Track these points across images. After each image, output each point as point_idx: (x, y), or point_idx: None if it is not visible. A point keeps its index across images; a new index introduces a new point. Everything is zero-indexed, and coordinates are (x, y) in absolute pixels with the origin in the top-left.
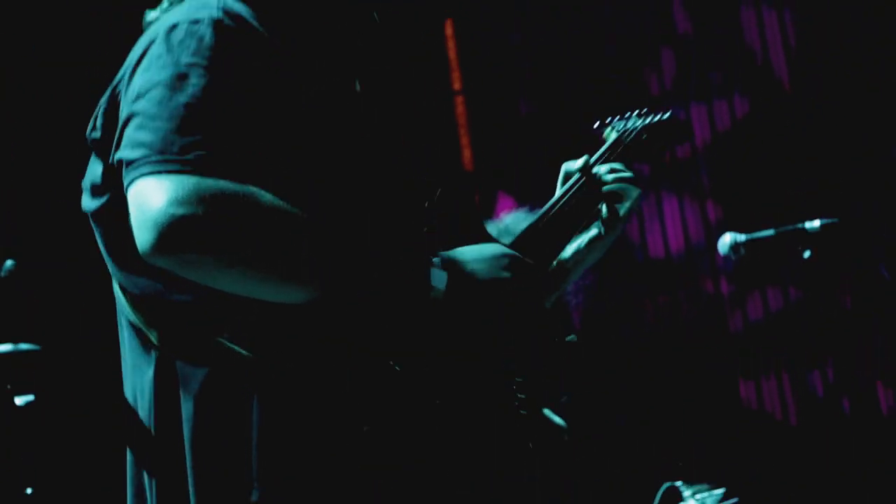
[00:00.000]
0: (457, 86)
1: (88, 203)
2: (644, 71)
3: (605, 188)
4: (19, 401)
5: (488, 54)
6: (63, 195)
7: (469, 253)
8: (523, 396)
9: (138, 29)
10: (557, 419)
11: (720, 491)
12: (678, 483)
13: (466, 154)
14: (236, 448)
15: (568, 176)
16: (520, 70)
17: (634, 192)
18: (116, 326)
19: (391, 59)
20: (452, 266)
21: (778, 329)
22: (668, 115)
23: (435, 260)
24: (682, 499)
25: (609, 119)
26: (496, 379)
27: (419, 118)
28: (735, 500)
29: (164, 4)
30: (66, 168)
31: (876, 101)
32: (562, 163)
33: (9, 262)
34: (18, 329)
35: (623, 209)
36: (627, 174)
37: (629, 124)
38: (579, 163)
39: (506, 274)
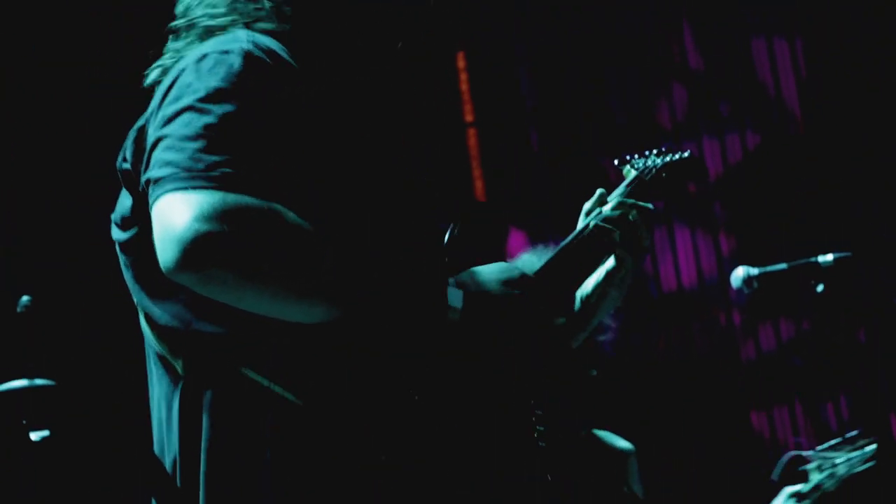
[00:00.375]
0: (469, 118)
1: (118, 234)
2: (656, 104)
3: (619, 219)
4: (35, 436)
5: (500, 87)
6: (78, 232)
7: (481, 273)
8: (542, 429)
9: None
10: (623, 442)
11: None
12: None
13: (478, 185)
14: (254, 478)
15: (587, 214)
16: (531, 102)
17: (645, 225)
18: (130, 362)
19: (405, 91)
20: (467, 285)
21: (790, 359)
22: (686, 154)
23: (451, 280)
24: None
25: (628, 157)
26: (516, 409)
27: (432, 148)
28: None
29: (180, 43)
30: (82, 206)
31: (889, 133)
32: (574, 195)
33: (25, 298)
34: (34, 365)
35: (633, 241)
36: (642, 205)
37: (648, 162)
38: (594, 199)
39: (517, 291)
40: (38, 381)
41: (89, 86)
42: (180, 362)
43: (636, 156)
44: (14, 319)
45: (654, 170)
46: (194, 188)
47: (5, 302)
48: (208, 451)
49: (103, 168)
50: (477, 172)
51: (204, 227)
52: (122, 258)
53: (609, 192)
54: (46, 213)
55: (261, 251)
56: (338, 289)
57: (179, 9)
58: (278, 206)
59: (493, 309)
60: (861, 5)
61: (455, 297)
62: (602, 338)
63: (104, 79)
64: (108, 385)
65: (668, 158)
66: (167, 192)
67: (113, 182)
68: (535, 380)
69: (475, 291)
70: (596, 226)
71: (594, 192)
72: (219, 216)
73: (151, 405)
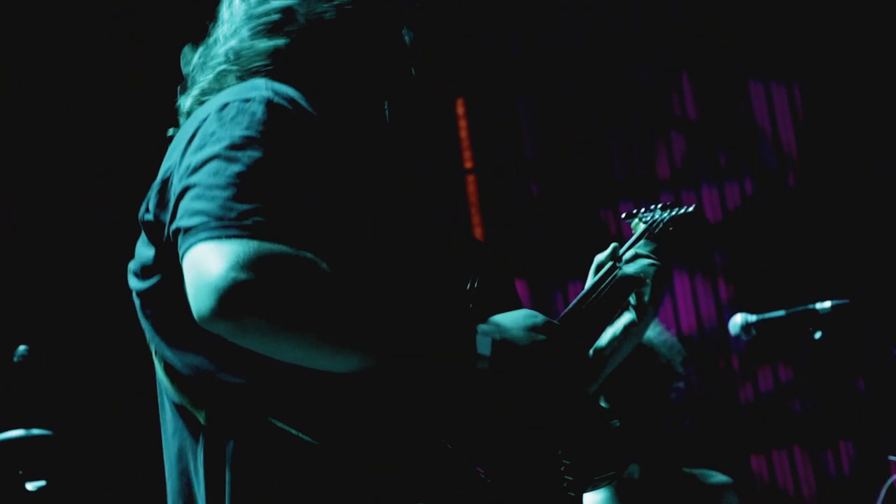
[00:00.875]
0: (468, 164)
1: (137, 283)
2: (655, 154)
3: (634, 273)
4: (31, 486)
5: (500, 134)
6: (75, 283)
7: (506, 320)
8: (570, 479)
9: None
10: (720, 476)
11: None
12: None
13: (477, 232)
14: None
15: (599, 267)
16: (531, 149)
17: (663, 277)
18: (126, 412)
19: (405, 137)
20: (493, 333)
21: (789, 403)
22: (691, 208)
23: (481, 327)
24: None
25: (635, 210)
26: (545, 458)
27: (432, 195)
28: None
29: (195, 91)
30: (79, 258)
31: (887, 178)
32: (573, 244)
33: (21, 348)
34: (31, 414)
35: (652, 294)
36: (655, 260)
37: (655, 216)
38: (608, 252)
39: (542, 338)
40: (35, 431)
41: (91, 137)
42: (203, 413)
43: (643, 209)
44: (11, 369)
45: (661, 223)
46: (228, 237)
47: (2, 351)
48: (232, 500)
49: (101, 221)
50: (476, 219)
51: (240, 276)
52: (141, 309)
53: (620, 245)
54: (44, 264)
55: (297, 300)
56: (372, 338)
57: (192, 58)
58: (312, 255)
59: (522, 356)
60: (857, 50)
61: (484, 344)
62: (677, 385)
63: (109, 131)
64: (105, 435)
65: (674, 212)
66: (200, 240)
67: (112, 234)
68: (563, 428)
69: (502, 339)
70: (623, 277)
71: (602, 243)
72: (254, 265)
73: (166, 455)
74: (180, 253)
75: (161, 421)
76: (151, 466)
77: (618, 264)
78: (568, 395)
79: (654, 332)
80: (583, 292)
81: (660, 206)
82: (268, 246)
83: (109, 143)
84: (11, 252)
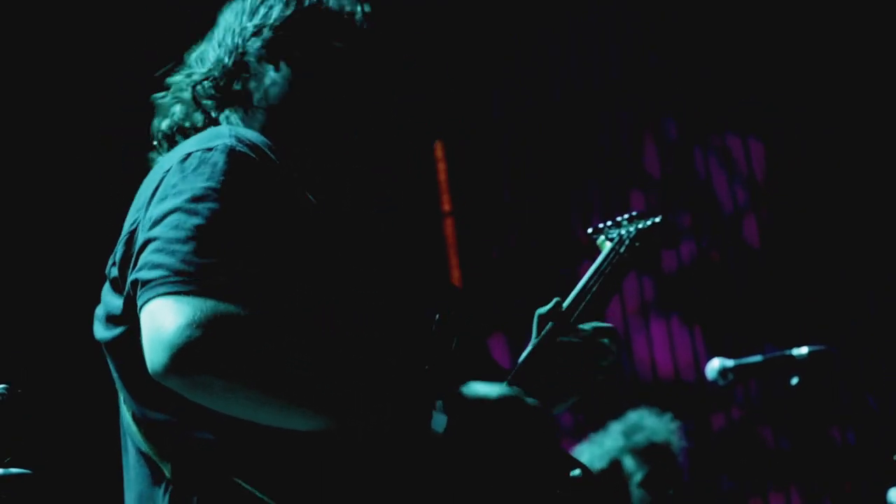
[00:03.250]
0: (446, 207)
1: (102, 332)
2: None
3: (578, 343)
4: None
5: (478, 177)
6: (54, 323)
7: (470, 394)
8: None
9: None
10: None
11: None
12: None
13: (455, 275)
14: None
15: (541, 321)
16: (508, 193)
17: (610, 352)
18: (104, 452)
19: (382, 182)
20: (454, 408)
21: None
22: (658, 219)
23: (438, 402)
24: None
25: (602, 225)
26: None
27: (409, 241)
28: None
29: (165, 146)
30: (59, 297)
31: (858, 229)
32: (549, 285)
33: (1, 387)
34: (8, 454)
35: (597, 371)
36: (601, 336)
37: (622, 231)
38: (550, 306)
39: (507, 415)
40: (13, 470)
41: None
42: (168, 466)
43: (609, 223)
44: None
45: (627, 240)
46: (185, 293)
47: None
48: None
49: (82, 258)
50: (454, 261)
51: (195, 334)
52: (110, 361)
53: (563, 299)
54: (23, 303)
55: (252, 360)
56: (322, 399)
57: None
58: (267, 314)
59: (480, 437)
60: (820, 106)
61: (439, 423)
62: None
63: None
64: (83, 474)
65: (640, 225)
66: (158, 295)
67: (92, 270)
68: (520, 488)
69: (460, 419)
70: (550, 340)
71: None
72: (210, 323)
73: (127, 496)
74: (138, 305)
75: (124, 462)
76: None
77: (562, 323)
78: (526, 457)
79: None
80: (523, 355)
81: (626, 217)
82: (223, 305)
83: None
84: None
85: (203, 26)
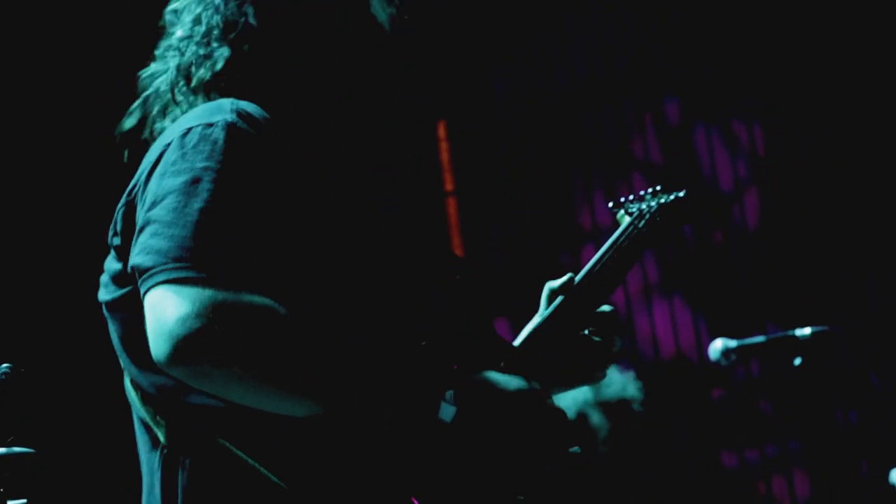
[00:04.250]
0: (449, 187)
1: (105, 295)
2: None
3: (587, 323)
4: None
5: (480, 156)
6: (57, 302)
7: (483, 386)
8: None
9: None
10: None
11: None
12: None
13: (457, 253)
14: None
15: (552, 296)
16: (510, 175)
17: (614, 334)
18: (110, 431)
19: (386, 161)
20: (463, 399)
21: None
22: (682, 193)
23: (448, 393)
24: None
25: (623, 199)
26: (497, 498)
27: (413, 219)
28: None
29: (175, 111)
30: (62, 277)
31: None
32: (552, 264)
33: (3, 366)
34: (12, 433)
35: (604, 354)
36: (608, 316)
37: (643, 206)
38: (562, 281)
39: (514, 408)
40: (17, 449)
41: (75, 151)
42: (163, 430)
43: (631, 197)
44: None
45: (647, 214)
46: (184, 280)
47: None
48: None
49: (83, 237)
50: (457, 241)
51: (195, 325)
52: (110, 323)
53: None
54: (26, 283)
55: (251, 350)
56: (323, 388)
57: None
58: (269, 302)
59: (483, 422)
60: (818, 95)
61: (447, 413)
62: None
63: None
64: (86, 453)
65: (661, 200)
66: (159, 283)
67: (93, 250)
68: (523, 469)
69: (468, 407)
70: (561, 316)
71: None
72: (209, 313)
73: (142, 463)
74: (141, 292)
75: (135, 434)
76: (129, 483)
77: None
78: (528, 439)
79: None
80: (532, 326)
81: (650, 191)
82: (223, 294)
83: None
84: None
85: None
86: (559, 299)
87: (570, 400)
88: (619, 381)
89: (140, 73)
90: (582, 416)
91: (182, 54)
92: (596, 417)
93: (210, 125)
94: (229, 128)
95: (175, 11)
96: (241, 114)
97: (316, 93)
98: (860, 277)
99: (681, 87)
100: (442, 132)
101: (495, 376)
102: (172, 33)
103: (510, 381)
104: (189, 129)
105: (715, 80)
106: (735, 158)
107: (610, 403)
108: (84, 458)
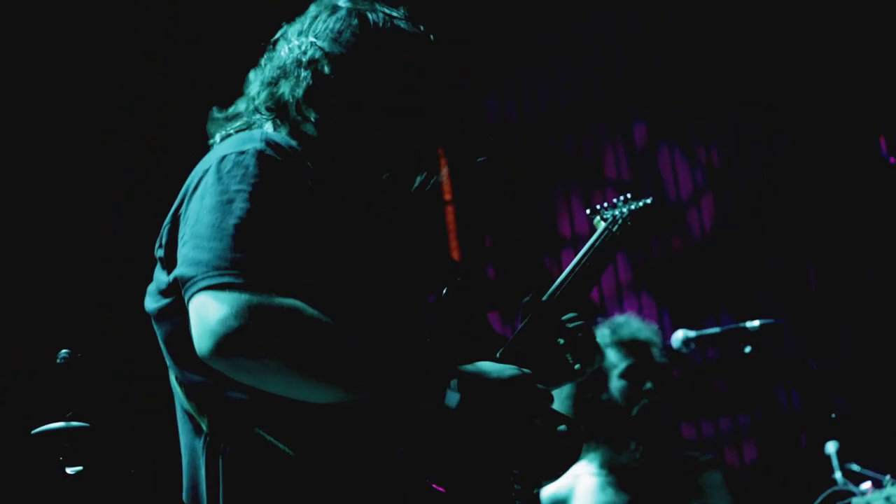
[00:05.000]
0: (447, 197)
1: (151, 304)
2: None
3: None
4: (70, 470)
5: (475, 171)
6: (112, 294)
7: (484, 374)
8: (518, 487)
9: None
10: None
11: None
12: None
13: (455, 256)
14: None
15: (525, 310)
16: (503, 184)
17: (591, 347)
18: (153, 408)
19: (393, 177)
20: (467, 386)
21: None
22: (649, 200)
23: (453, 382)
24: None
25: (598, 207)
26: (497, 471)
27: (415, 226)
28: None
29: (225, 131)
30: (118, 270)
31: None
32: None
33: (64, 352)
34: (71, 409)
35: (579, 364)
36: (579, 330)
37: (616, 212)
38: (529, 298)
39: (514, 396)
40: (74, 424)
41: (137, 156)
42: (206, 420)
43: (605, 204)
44: (54, 370)
45: (620, 220)
46: (223, 287)
47: (47, 355)
48: (225, 494)
49: (135, 241)
50: (454, 244)
51: (234, 324)
52: (156, 329)
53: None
54: (87, 276)
55: (283, 345)
56: (348, 378)
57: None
58: (298, 303)
59: (489, 413)
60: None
61: (452, 399)
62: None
63: (152, 149)
64: (135, 427)
65: (632, 206)
66: (201, 290)
67: (142, 251)
68: (518, 447)
69: (472, 395)
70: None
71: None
72: (247, 314)
73: (182, 447)
74: (185, 299)
75: (177, 419)
76: (173, 456)
77: (542, 314)
78: (524, 423)
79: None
80: (512, 337)
81: (621, 198)
82: (258, 297)
83: (152, 156)
84: (57, 267)
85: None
86: (530, 315)
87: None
88: (634, 323)
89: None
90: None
91: (267, 87)
92: (612, 355)
93: (242, 153)
94: (259, 155)
95: (280, 38)
96: (269, 143)
97: (355, 135)
98: (802, 275)
99: (647, 112)
100: (441, 150)
101: (492, 366)
102: (272, 59)
103: (505, 370)
104: (224, 157)
105: (677, 107)
106: (693, 171)
107: (624, 342)
108: (132, 431)
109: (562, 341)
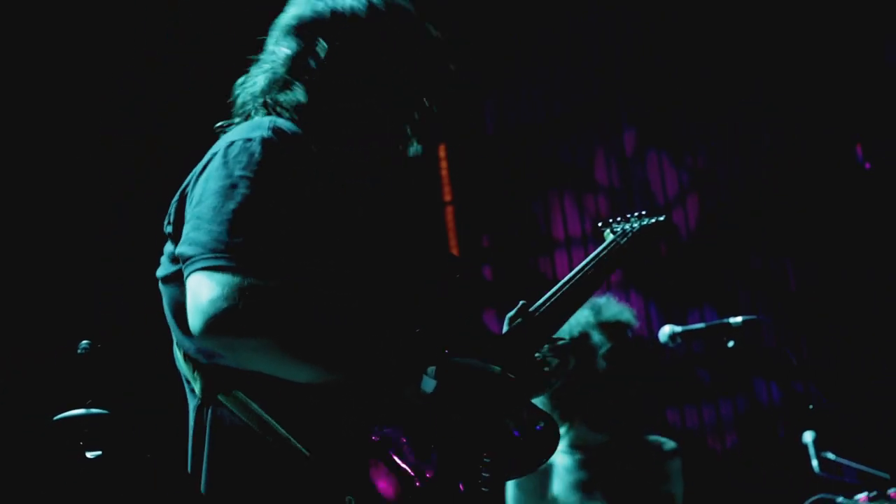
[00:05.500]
0: (447, 197)
1: (161, 271)
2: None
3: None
4: (90, 455)
5: (474, 173)
6: (130, 288)
7: (461, 366)
8: (487, 475)
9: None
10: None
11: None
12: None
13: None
14: (237, 481)
15: (514, 318)
16: (501, 186)
17: (566, 361)
18: (167, 397)
19: (393, 177)
20: (443, 375)
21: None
22: (662, 218)
23: (430, 369)
24: None
25: (611, 220)
26: (467, 459)
27: (415, 226)
28: None
29: (236, 120)
30: (136, 266)
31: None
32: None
33: (84, 343)
34: (90, 397)
35: (554, 377)
36: (558, 353)
37: (626, 226)
38: (516, 309)
39: (488, 392)
40: (94, 410)
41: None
42: (198, 384)
43: (618, 219)
44: (75, 360)
45: (629, 234)
46: (217, 269)
47: (69, 345)
48: (209, 452)
49: (146, 234)
50: (453, 243)
51: (223, 305)
52: (163, 294)
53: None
54: (107, 273)
55: (269, 326)
56: (331, 361)
57: (235, 92)
58: (287, 287)
59: (460, 403)
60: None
61: (428, 385)
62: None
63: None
64: (151, 414)
65: (644, 222)
66: (196, 269)
67: (155, 247)
68: (490, 437)
69: (446, 383)
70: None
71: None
72: (236, 295)
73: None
74: (184, 276)
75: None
76: (185, 441)
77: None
78: (497, 421)
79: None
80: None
81: (635, 214)
82: (249, 280)
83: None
84: (79, 262)
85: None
86: (517, 322)
87: (573, 321)
88: (615, 306)
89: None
90: (584, 335)
91: (268, 76)
92: (596, 336)
93: (249, 140)
94: (265, 142)
95: (275, 31)
96: (276, 130)
97: (355, 121)
98: (782, 273)
99: (636, 118)
100: (442, 152)
101: (476, 362)
102: (267, 52)
103: (488, 367)
104: (232, 143)
105: (663, 112)
106: (679, 173)
107: (608, 324)
108: (148, 418)
109: (538, 356)
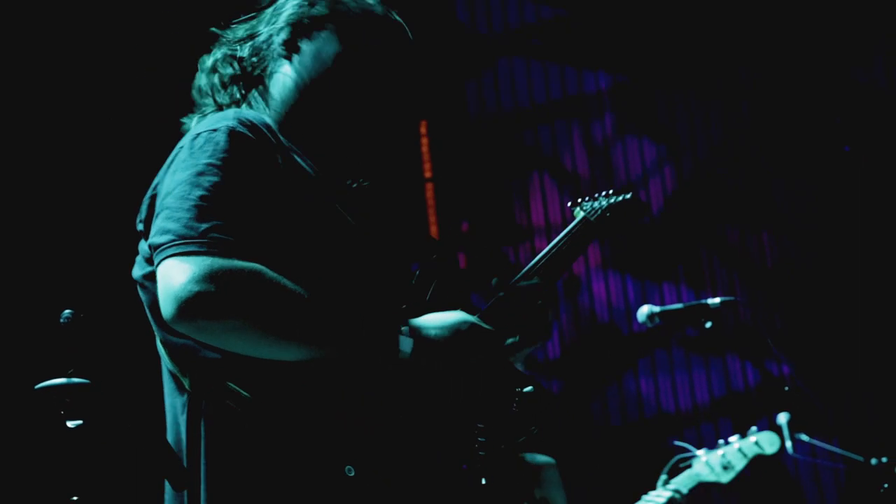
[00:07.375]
0: (427, 174)
1: (137, 272)
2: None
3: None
4: (71, 424)
5: (454, 149)
6: (112, 259)
7: (432, 320)
8: (483, 440)
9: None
10: (542, 457)
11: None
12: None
13: (433, 231)
14: (237, 467)
15: (492, 291)
16: (481, 163)
17: (545, 311)
18: (145, 364)
19: (374, 153)
20: (418, 332)
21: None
22: (629, 195)
23: (404, 329)
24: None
25: (580, 199)
26: (458, 425)
27: (395, 201)
28: None
29: (197, 116)
30: (115, 235)
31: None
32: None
33: (66, 312)
34: (72, 366)
35: (538, 326)
36: (537, 298)
37: (595, 204)
38: (494, 283)
39: (465, 337)
40: (75, 380)
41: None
42: (188, 380)
43: (587, 197)
44: (57, 330)
45: (599, 210)
46: (188, 253)
47: (51, 315)
48: (207, 447)
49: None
50: (433, 219)
51: (195, 289)
52: (141, 295)
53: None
54: (90, 241)
55: (241, 308)
56: (307, 336)
57: (194, 90)
58: (259, 267)
59: (440, 353)
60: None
61: (406, 344)
62: None
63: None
64: (132, 385)
65: (612, 200)
66: (167, 256)
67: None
68: (479, 400)
69: (424, 337)
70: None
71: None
72: (208, 278)
73: (166, 406)
74: (155, 264)
75: (162, 379)
76: (163, 412)
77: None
78: (485, 375)
79: None
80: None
81: (603, 193)
82: (220, 262)
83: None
84: (59, 232)
85: (203, 26)
86: (498, 295)
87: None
88: None
89: (201, 60)
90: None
91: (229, 66)
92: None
93: (214, 130)
94: (230, 132)
95: (237, 24)
96: (241, 121)
97: (322, 109)
98: (758, 250)
99: (613, 106)
100: (423, 129)
101: (441, 314)
102: (228, 43)
103: (451, 314)
104: (198, 134)
105: (639, 100)
106: (654, 148)
107: None
108: (129, 388)
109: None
